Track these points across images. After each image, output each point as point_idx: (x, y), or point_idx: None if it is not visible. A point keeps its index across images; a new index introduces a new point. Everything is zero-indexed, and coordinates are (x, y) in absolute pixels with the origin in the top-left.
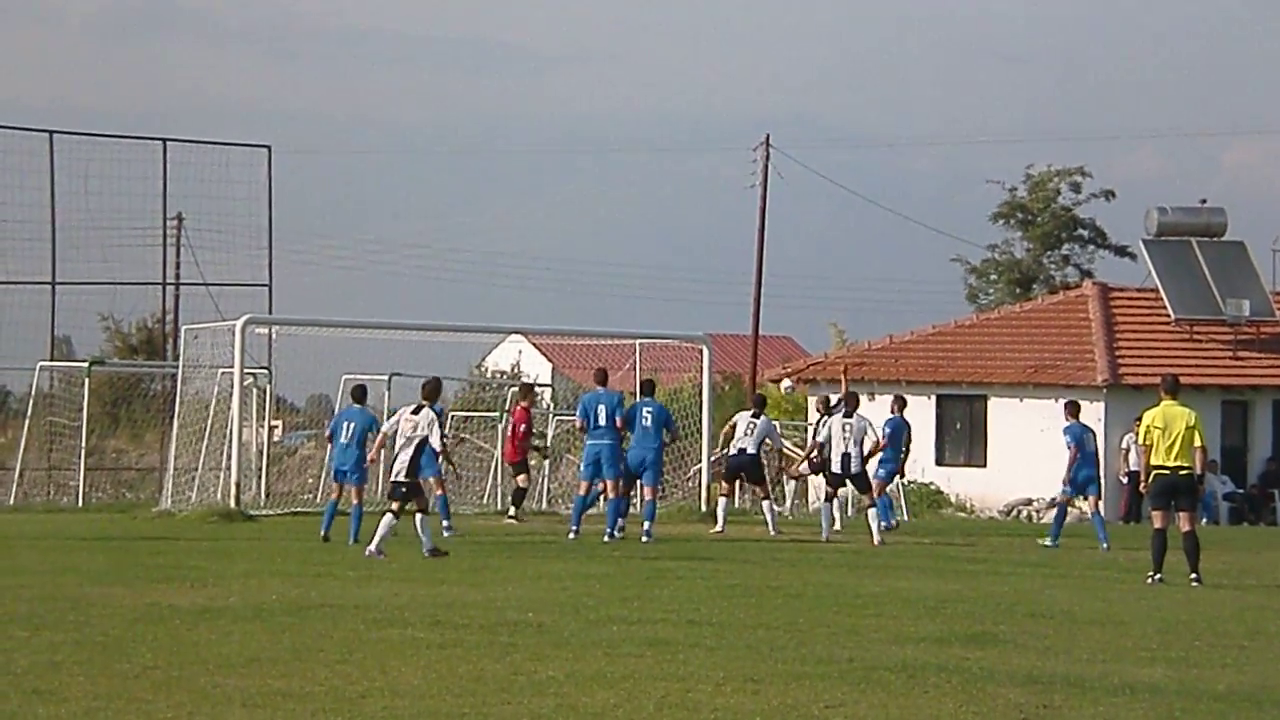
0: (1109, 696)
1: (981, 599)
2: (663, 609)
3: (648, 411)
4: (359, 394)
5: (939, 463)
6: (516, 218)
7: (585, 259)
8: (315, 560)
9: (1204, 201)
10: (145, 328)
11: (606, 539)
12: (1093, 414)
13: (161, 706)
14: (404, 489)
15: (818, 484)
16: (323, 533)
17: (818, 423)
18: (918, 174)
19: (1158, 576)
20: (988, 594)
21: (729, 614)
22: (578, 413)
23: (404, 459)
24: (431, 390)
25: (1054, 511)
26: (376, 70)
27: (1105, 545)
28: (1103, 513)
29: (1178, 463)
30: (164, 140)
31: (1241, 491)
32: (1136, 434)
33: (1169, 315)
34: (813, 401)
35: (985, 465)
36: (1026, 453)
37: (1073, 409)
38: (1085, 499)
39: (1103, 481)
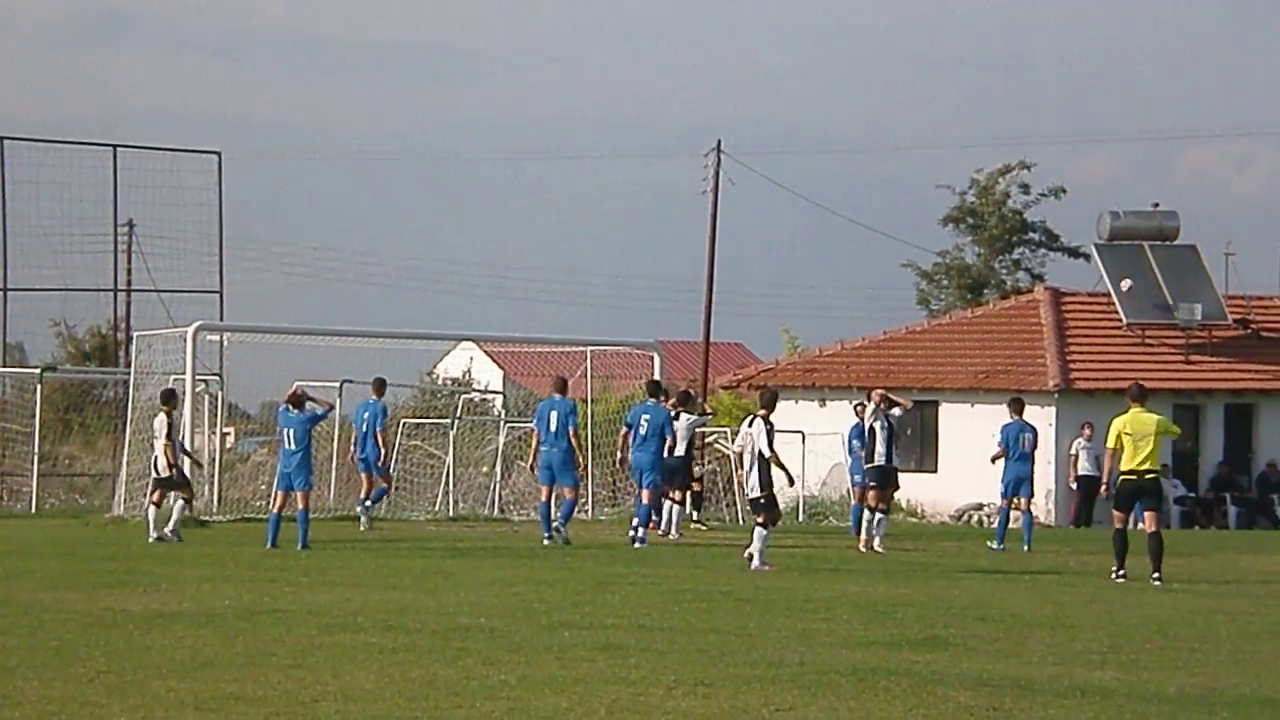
0: (1059, 699)
1: (932, 603)
2: (614, 614)
3: (645, 418)
4: (296, 400)
5: None
6: (467, 224)
7: (535, 265)
8: (267, 566)
9: (1157, 205)
10: (97, 334)
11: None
12: (1044, 419)
13: (115, 711)
14: (762, 502)
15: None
16: (269, 545)
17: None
18: (869, 179)
19: (1122, 572)
20: (938, 598)
21: (680, 619)
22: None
23: (754, 476)
24: (769, 399)
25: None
26: (327, 78)
27: (1027, 547)
28: (1034, 514)
29: (1145, 467)
30: (114, 147)
31: (1193, 495)
32: (1084, 437)
33: (1121, 319)
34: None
35: (936, 470)
36: (977, 458)
37: (1014, 406)
38: (1019, 499)
39: (1053, 486)
